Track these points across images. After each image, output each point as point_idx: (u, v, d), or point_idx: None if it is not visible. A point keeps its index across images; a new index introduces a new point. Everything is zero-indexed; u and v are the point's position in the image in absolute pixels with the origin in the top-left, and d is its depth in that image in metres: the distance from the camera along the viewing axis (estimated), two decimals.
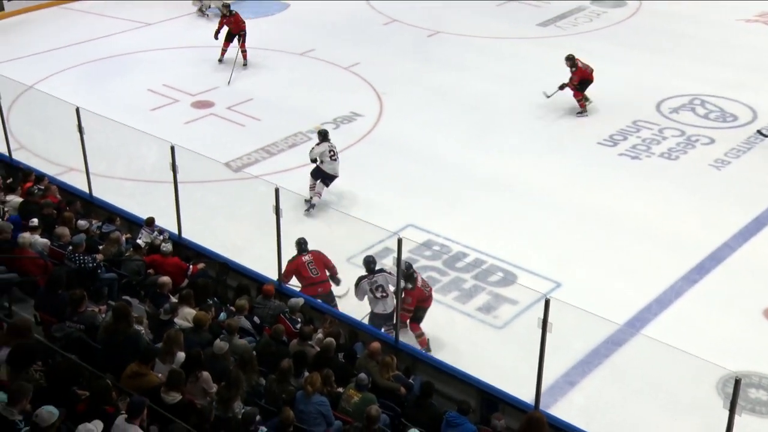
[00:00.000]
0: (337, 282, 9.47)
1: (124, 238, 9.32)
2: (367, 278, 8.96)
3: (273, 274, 9.05)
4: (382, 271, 9.00)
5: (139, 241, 9.28)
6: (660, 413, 8.23)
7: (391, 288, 8.78)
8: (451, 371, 8.01)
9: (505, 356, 8.87)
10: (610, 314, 8.50)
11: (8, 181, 10.49)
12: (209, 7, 18.88)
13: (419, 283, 8.87)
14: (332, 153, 11.52)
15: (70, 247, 8.42)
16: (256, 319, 8.21)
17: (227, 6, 16.21)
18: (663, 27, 18.05)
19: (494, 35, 17.74)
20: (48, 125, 13.03)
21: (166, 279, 8.15)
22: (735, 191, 12.11)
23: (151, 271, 8.71)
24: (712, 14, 18.60)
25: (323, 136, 11.65)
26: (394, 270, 8.32)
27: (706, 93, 15.04)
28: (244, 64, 16.09)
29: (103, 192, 10.81)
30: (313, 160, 11.56)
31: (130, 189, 11.70)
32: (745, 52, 16.71)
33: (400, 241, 7.85)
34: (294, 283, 9.32)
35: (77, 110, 10.00)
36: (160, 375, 6.51)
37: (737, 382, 6.06)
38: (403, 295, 8.78)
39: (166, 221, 9.75)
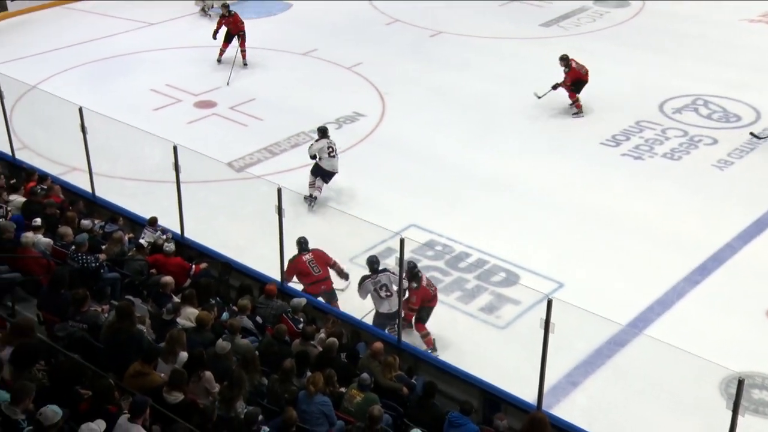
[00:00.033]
0: (346, 276, 9.52)
1: (126, 238, 9.33)
2: (370, 278, 8.97)
3: (275, 274, 9.05)
4: (385, 270, 9.00)
5: (141, 241, 9.29)
6: (663, 414, 8.21)
7: (395, 287, 8.79)
8: (454, 371, 8.00)
9: (508, 356, 8.87)
10: (613, 315, 8.49)
11: (12, 181, 10.49)
12: (212, 6, 18.90)
13: (424, 282, 8.88)
14: (331, 149, 11.56)
15: (73, 247, 8.43)
16: (258, 318, 8.21)
17: (226, 6, 16.22)
18: (666, 27, 18.03)
19: (497, 35, 17.73)
20: (51, 125, 13.05)
21: (168, 279, 8.16)
22: (738, 192, 12.09)
23: (153, 270, 8.72)
24: (715, 14, 18.57)
25: (323, 132, 11.70)
26: (397, 270, 8.32)
27: (709, 93, 15.02)
28: (245, 64, 16.09)
29: (106, 192, 10.83)
30: (312, 157, 11.61)
31: (133, 189, 11.71)
32: (749, 52, 16.68)
33: (402, 241, 7.85)
34: (297, 283, 9.33)
35: (80, 110, 10.01)
36: (162, 375, 6.51)
37: (740, 383, 6.05)
38: (408, 295, 8.81)
39: (168, 221, 9.76)
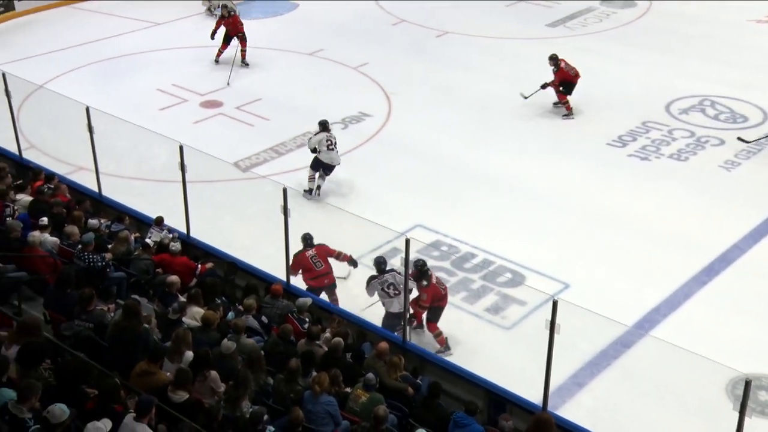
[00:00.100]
0: (355, 264, 9.66)
1: (133, 237, 9.34)
2: (377, 278, 9.01)
3: (281, 274, 9.06)
4: (392, 270, 9.02)
5: (148, 241, 9.31)
6: (668, 415, 8.19)
7: (402, 286, 8.80)
8: (459, 372, 8.00)
9: (513, 357, 8.85)
10: (619, 315, 8.48)
11: (18, 182, 10.52)
12: (218, 6, 18.89)
13: (434, 280, 8.89)
14: (330, 142, 11.65)
15: (80, 246, 8.45)
16: (264, 318, 8.23)
17: (225, 7, 16.25)
18: (673, 27, 17.98)
19: (503, 35, 17.71)
20: (58, 124, 13.08)
21: (174, 278, 8.18)
22: (745, 193, 12.04)
23: (159, 270, 8.73)
24: (722, 15, 18.52)
25: (323, 126, 11.79)
26: (401, 270, 8.32)
27: (716, 94, 14.97)
28: (246, 64, 16.10)
29: (113, 191, 10.85)
30: (313, 150, 11.70)
31: (139, 188, 11.73)
32: (756, 52, 16.62)
33: (408, 242, 7.85)
34: (301, 283, 9.35)
35: (87, 110, 10.03)
36: (168, 374, 6.52)
37: (747, 384, 6.03)
38: (418, 293, 8.82)
39: (174, 221, 9.78)
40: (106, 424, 5.49)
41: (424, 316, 9.07)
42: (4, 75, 11.05)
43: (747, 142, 13.19)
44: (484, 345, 9.21)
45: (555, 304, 6.75)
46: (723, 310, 9.62)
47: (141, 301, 7.73)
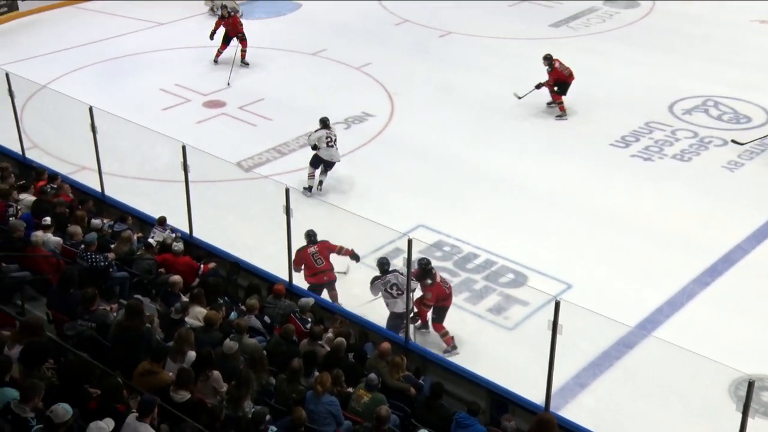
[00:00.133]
0: (357, 258, 9.69)
1: (135, 237, 9.36)
2: (380, 279, 9.01)
3: (284, 274, 9.07)
4: (394, 271, 9.02)
5: (150, 240, 9.32)
6: (671, 416, 8.18)
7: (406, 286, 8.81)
8: (461, 372, 8.00)
9: (516, 357, 8.85)
10: (621, 316, 8.48)
11: (21, 181, 10.54)
12: (219, 7, 18.92)
13: (438, 278, 8.89)
14: (329, 139, 11.73)
15: (83, 246, 8.46)
16: (266, 318, 8.23)
17: (225, 7, 16.27)
18: (676, 28, 17.96)
19: (506, 36, 17.70)
20: (61, 124, 13.10)
21: (177, 278, 8.18)
22: (748, 193, 12.03)
23: (162, 270, 8.74)
24: (726, 15, 18.49)
25: (323, 123, 11.86)
26: (404, 270, 8.32)
27: (719, 94, 14.95)
28: (246, 64, 16.10)
29: (116, 191, 10.87)
30: (313, 147, 11.77)
31: (142, 188, 11.74)
32: (760, 53, 16.59)
33: (410, 242, 7.85)
34: (304, 283, 9.35)
35: (90, 109, 10.05)
36: (171, 374, 6.53)
37: (750, 385, 6.03)
38: (422, 291, 8.82)
39: (177, 220, 9.79)
40: (108, 423, 5.49)
41: (430, 316, 9.08)
42: (7, 75, 11.07)
43: (741, 144, 13.17)
44: (486, 345, 9.21)
45: (557, 305, 6.74)
46: (726, 310, 9.61)
47: (144, 301, 7.74)
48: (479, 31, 17.92)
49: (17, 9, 19.00)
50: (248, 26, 16.46)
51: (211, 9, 19.15)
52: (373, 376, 7.02)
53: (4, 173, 9.99)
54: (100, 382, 6.08)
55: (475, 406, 7.04)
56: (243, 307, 8.23)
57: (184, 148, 9.21)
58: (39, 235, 8.53)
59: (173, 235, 9.39)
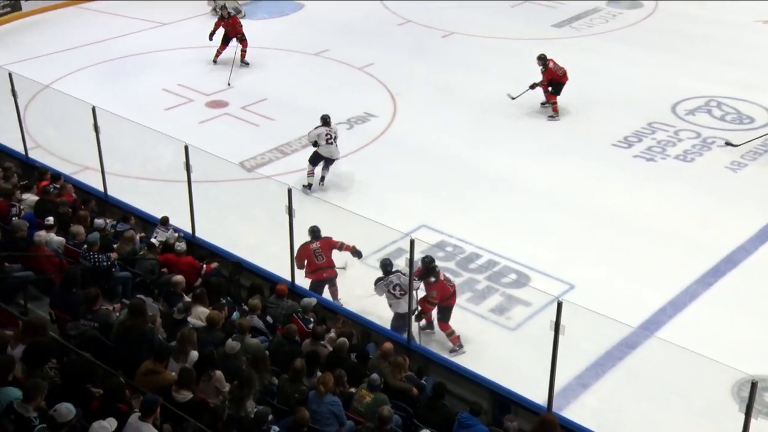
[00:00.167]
0: (359, 255, 9.70)
1: (138, 237, 9.37)
2: (383, 280, 9.02)
3: (286, 274, 9.07)
4: (397, 271, 9.02)
5: (153, 240, 9.32)
6: (674, 417, 8.17)
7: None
8: (464, 372, 8.00)
9: (518, 358, 8.85)
10: (624, 317, 8.47)
11: (24, 181, 10.55)
12: (220, 7, 18.94)
13: (441, 277, 8.89)
14: (329, 136, 11.82)
15: (85, 246, 8.47)
16: (269, 318, 8.23)
17: (225, 8, 16.28)
18: (679, 28, 17.93)
19: (508, 36, 17.69)
20: (64, 124, 13.12)
21: (179, 278, 8.18)
22: (751, 194, 12.01)
23: (164, 270, 8.74)
24: (729, 15, 18.46)
25: (324, 120, 11.94)
26: (406, 270, 8.32)
27: (722, 95, 14.93)
28: (246, 64, 16.10)
29: (118, 191, 10.88)
30: (314, 144, 11.85)
31: (145, 188, 11.75)
32: (763, 53, 16.56)
33: (412, 243, 7.84)
34: (306, 281, 9.35)
35: (93, 109, 10.06)
36: (173, 373, 6.53)
37: (753, 386, 6.02)
38: (426, 290, 8.81)
39: (180, 220, 9.79)
40: (111, 423, 5.50)
41: (435, 315, 9.07)
42: (10, 75, 11.09)
43: (735, 146, 13.15)
44: (489, 346, 9.20)
45: (560, 305, 6.74)
46: (729, 311, 9.60)
47: (146, 300, 7.75)
48: (481, 32, 17.91)
49: (20, 9, 19.02)
50: (251, 26, 16.48)
51: (214, 9, 19.15)
52: (375, 376, 7.02)
53: (7, 173, 10.00)
54: (102, 382, 6.09)
55: (478, 406, 7.03)
56: (245, 307, 8.23)
57: (186, 148, 9.22)
58: (42, 234, 8.54)
59: (176, 235, 9.39)
